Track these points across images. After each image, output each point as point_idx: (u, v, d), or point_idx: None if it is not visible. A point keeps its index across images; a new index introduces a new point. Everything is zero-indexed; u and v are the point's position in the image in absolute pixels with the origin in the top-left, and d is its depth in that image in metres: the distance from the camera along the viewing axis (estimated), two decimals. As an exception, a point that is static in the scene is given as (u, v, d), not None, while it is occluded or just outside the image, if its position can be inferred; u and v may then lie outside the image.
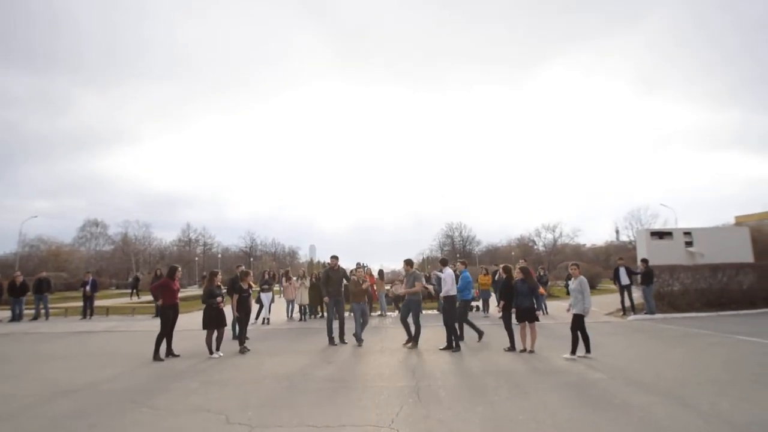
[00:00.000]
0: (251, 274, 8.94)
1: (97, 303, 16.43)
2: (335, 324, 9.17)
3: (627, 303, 13.44)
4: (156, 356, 7.69)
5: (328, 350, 8.50)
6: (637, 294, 13.97)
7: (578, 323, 7.38)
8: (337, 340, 9.10)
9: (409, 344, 8.64)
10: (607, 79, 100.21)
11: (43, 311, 15.21)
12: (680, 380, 5.77)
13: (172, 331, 8.01)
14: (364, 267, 13.29)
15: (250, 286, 8.79)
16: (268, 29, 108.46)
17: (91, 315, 15.41)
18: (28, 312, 15.52)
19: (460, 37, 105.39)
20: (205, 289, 8.30)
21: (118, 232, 66.97)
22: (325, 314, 14.20)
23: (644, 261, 13.45)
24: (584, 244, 69.30)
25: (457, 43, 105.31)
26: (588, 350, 7.34)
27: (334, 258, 9.82)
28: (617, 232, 62.84)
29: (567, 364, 6.86)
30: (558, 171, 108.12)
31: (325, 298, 9.34)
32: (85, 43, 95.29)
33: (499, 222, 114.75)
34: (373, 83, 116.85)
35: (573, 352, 7.31)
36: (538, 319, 8.23)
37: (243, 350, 8.30)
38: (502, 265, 9.07)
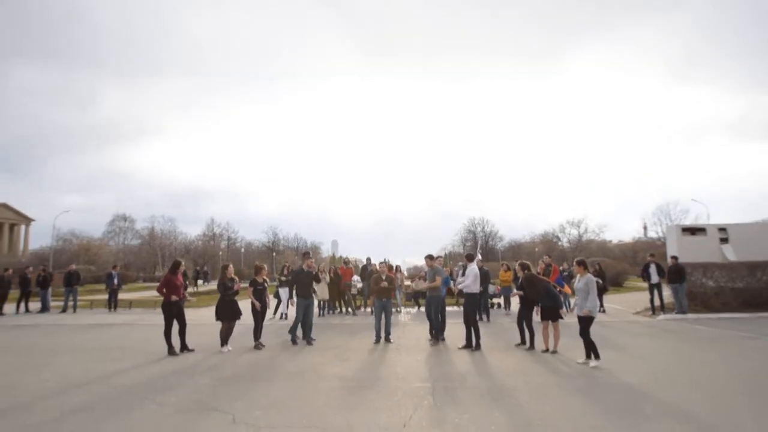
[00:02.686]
0: (266, 268, 8.83)
1: (122, 296, 16.75)
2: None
3: (657, 302, 12.85)
4: (170, 351, 7.68)
5: (344, 347, 8.34)
6: (667, 293, 13.33)
7: (583, 326, 6.74)
8: (299, 339, 8.75)
9: (431, 341, 8.69)
10: (635, 69, 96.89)
11: (71, 303, 15.62)
12: (719, 388, 5.34)
13: (184, 325, 7.98)
14: (386, 262, 13.11)
15: (265, 281, 8.69)
16: (289, 24, 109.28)
17: (115, 308, 15.74)
18: (56, 304, 15.99)
19: (484, 26, 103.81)
20: (218, 282, 8.26)
21: (145, 226, 68.69)
22: (343, 309, 14.39)
23: (674, 258, 12.83)
24: (610, 241, 67.43)
25: (481, 33, 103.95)
26: (597, 356, 6.60)
27: (306, 255, 9.41)
28: (645, 228, 60.60)
29: (592, 367, 6.48)
30: (584, 165, 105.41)
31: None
32: (109, 38, 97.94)
33: (522, 217, 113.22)
34: (394, 75, 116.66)
35: (588, 356, 6.65)
36: (562, 317, 7.87)
37: (258, 346, 8.23)
38: (518, 262, 8.72)
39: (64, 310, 15.40)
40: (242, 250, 72.14)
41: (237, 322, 8.25)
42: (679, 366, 6.58)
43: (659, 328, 10.49)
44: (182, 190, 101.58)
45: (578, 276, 7.01)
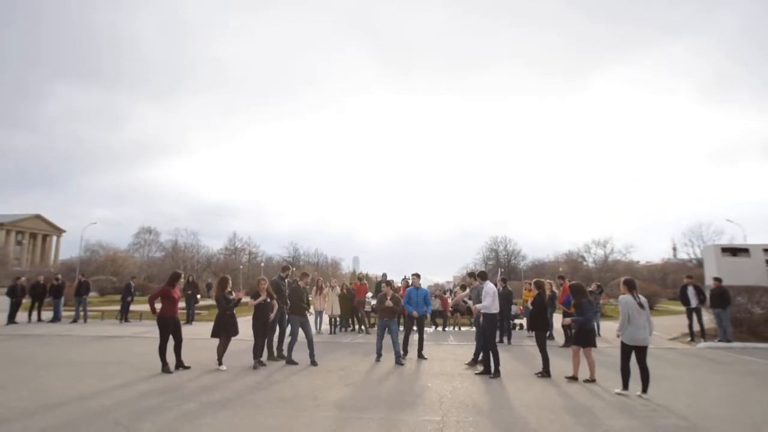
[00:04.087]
0: (267, 281, 8.28)
1: (134, 308, 16.51)
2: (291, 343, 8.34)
3: (696, 327, 11.74)
4: (164, 368, 7.18)
5: (350, 369, 7.69)
6: (707, 317, 12.19)
7: (621, 352, 6.22)
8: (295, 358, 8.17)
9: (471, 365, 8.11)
10: (663, 90, 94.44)
11: (82, 313, 15.46)
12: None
13: (180, 341, 7.50)
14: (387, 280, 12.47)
15: (270, 296, 8.14)
16: (313, 44, 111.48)
17: (126, 319, 15.51)
18: (69, 314, 15.86)
19: (510, 46, 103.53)
20: (216, 296, 7.78)
21: (168, 239, 69.85)
22: (355, 327, 13.73)
23: (717, 280, 11.73)
24: (638, 261, 64.69)
25: (507, 53, 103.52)
26: (624, 386, 6.07)
27: (304, 275, 9.03)
28: (675, 249, 58.16)
29: (631, 403, 5.64)
30: (610, 183, 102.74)
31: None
32: (139, 60, 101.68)
33: (545, 236, 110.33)
34: (417, 93, 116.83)
35: (644, 388, 5.94)
36: (594, 345, 7.06)
37: (257, 365, 7.66)
38: (534, 280, 7.99)
39: (75, 320, 15.26)
40: (262, 264, 72.31)
41: (240, 338, 7.76)
42: (733, 405, 5.65)
43: (702, 357, 9.45)
44: (206, 205, 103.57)
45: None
